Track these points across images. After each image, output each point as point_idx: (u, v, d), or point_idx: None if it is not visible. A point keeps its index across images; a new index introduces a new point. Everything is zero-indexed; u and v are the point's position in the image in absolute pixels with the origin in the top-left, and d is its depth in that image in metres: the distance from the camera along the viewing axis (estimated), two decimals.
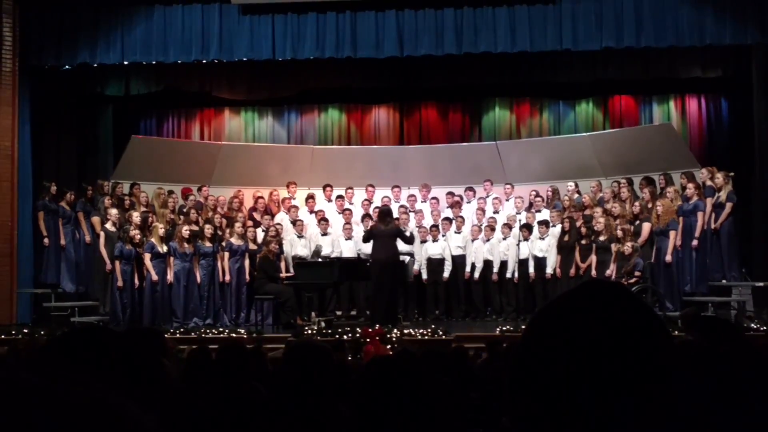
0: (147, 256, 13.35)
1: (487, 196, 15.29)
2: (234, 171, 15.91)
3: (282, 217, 14.85)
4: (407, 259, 14.15)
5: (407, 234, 13.65)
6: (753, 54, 14.48)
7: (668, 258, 13.00)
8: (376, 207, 14.54)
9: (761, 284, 12.76)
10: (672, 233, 12.98)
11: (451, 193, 15.36)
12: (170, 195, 14.79)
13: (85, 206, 14.65)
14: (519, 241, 13.90)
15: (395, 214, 14.66)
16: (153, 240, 13.43)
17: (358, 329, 11.42)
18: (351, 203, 15.31)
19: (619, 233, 12.74)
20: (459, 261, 14.35)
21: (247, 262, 13.86)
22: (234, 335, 11.98)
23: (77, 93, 16.43)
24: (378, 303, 12.94)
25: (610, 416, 1.19)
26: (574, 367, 1.20)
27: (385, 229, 13.06)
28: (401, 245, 14.17)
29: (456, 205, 15.02)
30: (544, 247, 13.90)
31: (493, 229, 14.32)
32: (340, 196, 15.33)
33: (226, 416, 3.15)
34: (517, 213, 14.62)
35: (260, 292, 13.36)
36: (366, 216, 14.51)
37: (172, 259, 13.52)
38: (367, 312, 13.64)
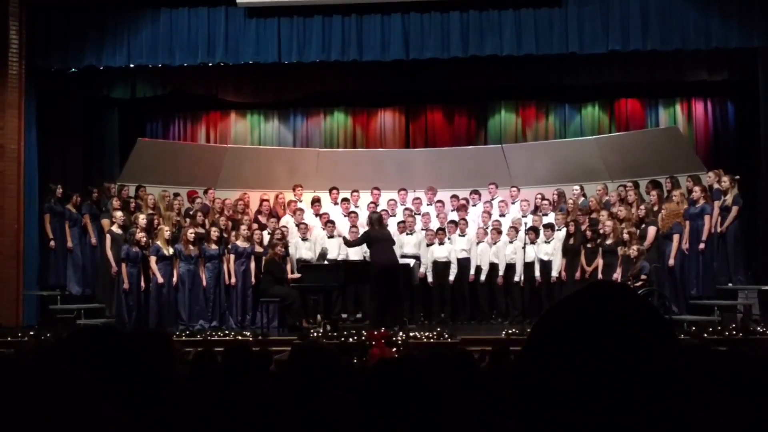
0: (153, 259, 13.38)
1: (493, 199, 15.27)
2: (240, 174, 15.93)
3: (288, 220, 14.87)
4: (413, 262, 14.15)
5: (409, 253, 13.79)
6: (759, 57, 14.44)
7: (671, 262, 12.99)
8: (371, 204, 14.74)
9: (767, 288, 12.75)
10: (675, 237, 12.98)
11: (455, 197, 15.35)
12: (176, 197, 14.84)
13: (91, 209, 14.68)
14: (525, 244, 13.88)
15: (401, 217, 14.71)
16: (159, 242, 13.46)
17: (363, 332, 11.43)
18: (357, 206, 15.31)
19: (626, 236, 12.71)
20: (463, 264, 14.33)
21: (252, 265, 13.87)
22: (239, 338, 12.00)
23: (83, 96, 16.47)
24: (377, 306, 12.98)
25: (616, 418, 1.19)
26: (580, 369, 1.20)
27: (382, 233, 13.11)
28: (406, 249, 14.25)
29: (462, 208, 15.01)
30: (550, 250, 13.89)
31: (499, 232, 14.29)
32: (345, 199, 15.33)
33: (232, 419, 3.15)
34: (523, 216, 14.60)
35: (266, 295, 13.36)
36: None
37: (177, 261, 13.55)
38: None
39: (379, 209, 14.69)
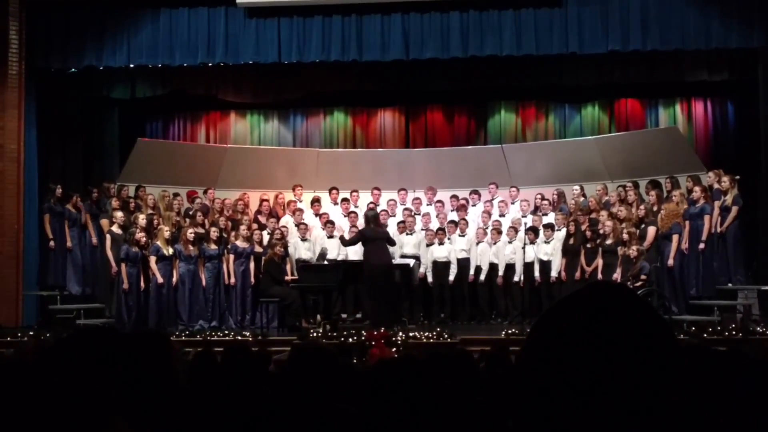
0: (152, 259, 13.38)
1: (493, 199, 15.27)
2: (240, 174, 15.93)
3: (287, 220, 14.87)
4: (413, 262, 14.15)
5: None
6: (759, 57, 14.44)
7: (670, 262, 13.00)
8: (371, 204, 14.66)
9: (767, 288, 12.75)
10: (675, 237, 12.98)
11: (455, 197, 15.35)
12: (175, 197, 14.84)
13: (91, 209, 14.68)
14: (525, 244, 13.88)
15: (401, 218, 14.71)
16: (158, 242, 13.46)
17: (363, 332, 11.43)
18: (356, 206, 15.31)
19: (626, 237, 12.72)
20: (463, 264, 14.32)
21: (252, 265, 13.87)
22: (239, 338, 12.00)
23: (83, 96, 16.47)
24: (374, 306, 12.98)
25: (614, 418, 1.19)
26: (579, 369, 1.20)
27: (376, 232, 13.10)
28: (406, 249, 14.24)
29: (462, 208, 15.01)
30: (550, 250, 13.88)
31: (499, 233, 14.29)
32: (345, 199, 15.33)
33: (232, 419, 3.15)
34: (522, 216, 14.61)
35: (265, 295, 13.36)
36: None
37: (177, 261, 13.55)
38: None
39: (379, 209, 14.68)
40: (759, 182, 14.45)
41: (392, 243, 13.59)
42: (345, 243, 13.90)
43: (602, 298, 1.26)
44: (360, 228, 13.92)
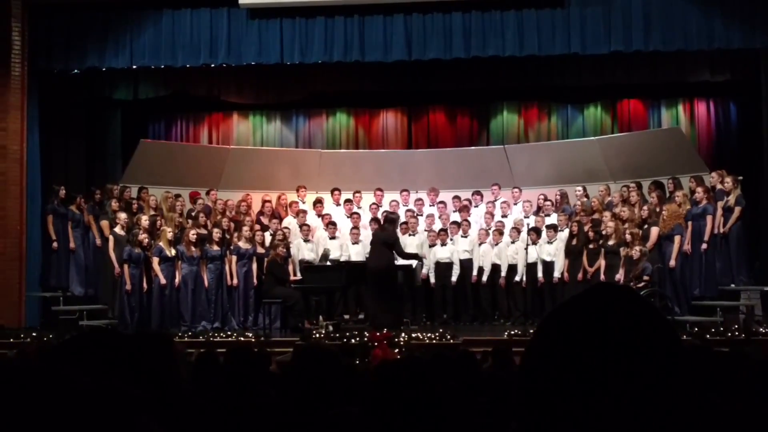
0: (155, 260, 13.38)
1: (495, 200, 15.27)
2: (242, 175, 15.94)
3: (290, 221, 14.87)
4: (415, 263, 14.15)
5: (403, 249, 13.64)
6: (761, 58, 14.43)
7: (672, 263, 12.99)
8: (385, 211, 14.55)
9: None
10: (677, 238, 12.98)
11: (457, 198, 15.35)
12: (177, 198, 14.84)
13: (94, 210, 14.69)
14: (527, 245, 13.87)
15: (402, 219, 14.68)
16: (161, 243, 13.46)
17: (366, 333, 11.43)
18: (359, 207, 15.31)
19: (628, 237, 12.71)
20: (466, 265, 14.32)
21: (254, 266, 13.88)
22: (242, 339, 12.01)
23: (86, 97, 16.48)
24: (374, 308, 13.00)
25: (618, 419, 1.19)
26: (582, 370, 1.20)
27: (378, 236, 13.12)
28: (408, 250, 14.23)
29: (464, 209, 15.01)
30: (552, 251, 13.88)
31: (501, 233, 14.29)
32: (348, 200, 15.33)
33: (235, 420, 3.15)
34: (525, 217, 14.61)
35: (268, 296, 13.37)
36: (374, 220, 14.52)
37: (180, 262, 13.55)
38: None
39: (381, 211, 14.68)
40: (762, 183, 14.44)
41: (397, 250, 13.50)
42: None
43: (606, 300, 1.26)
44: (366, 231, 14.00)
